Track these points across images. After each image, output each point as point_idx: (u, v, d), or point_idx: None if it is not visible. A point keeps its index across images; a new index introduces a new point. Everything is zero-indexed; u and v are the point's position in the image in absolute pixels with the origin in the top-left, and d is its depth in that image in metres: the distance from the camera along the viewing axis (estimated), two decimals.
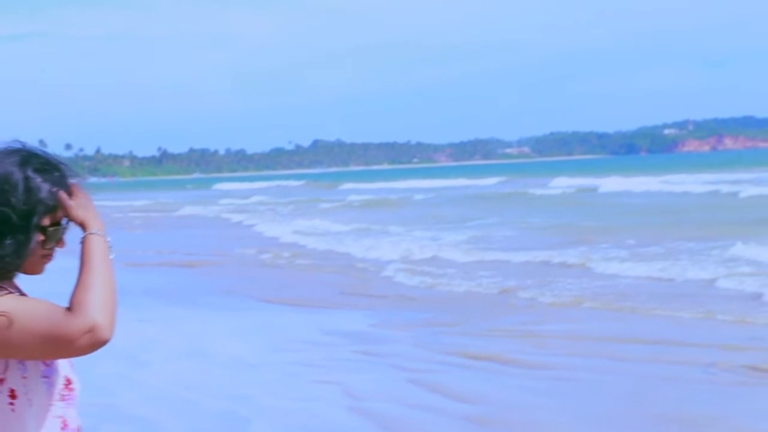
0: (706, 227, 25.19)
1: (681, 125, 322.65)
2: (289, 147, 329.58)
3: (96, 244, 2.56)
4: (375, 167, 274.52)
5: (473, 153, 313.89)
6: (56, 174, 2.61)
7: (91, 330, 2.40)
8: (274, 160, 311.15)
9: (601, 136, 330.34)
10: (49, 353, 2.47)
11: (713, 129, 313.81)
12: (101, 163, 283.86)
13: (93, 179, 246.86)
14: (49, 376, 2.58)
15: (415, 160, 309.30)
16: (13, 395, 2.53)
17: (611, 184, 56.50)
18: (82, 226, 2.60)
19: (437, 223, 32.51)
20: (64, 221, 2.63)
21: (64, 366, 2.64)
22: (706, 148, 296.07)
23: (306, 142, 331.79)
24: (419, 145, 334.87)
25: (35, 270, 2.63)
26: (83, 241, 2.58)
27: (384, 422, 8.32)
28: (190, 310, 14.90)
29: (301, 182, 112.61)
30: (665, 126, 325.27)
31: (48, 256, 2.63)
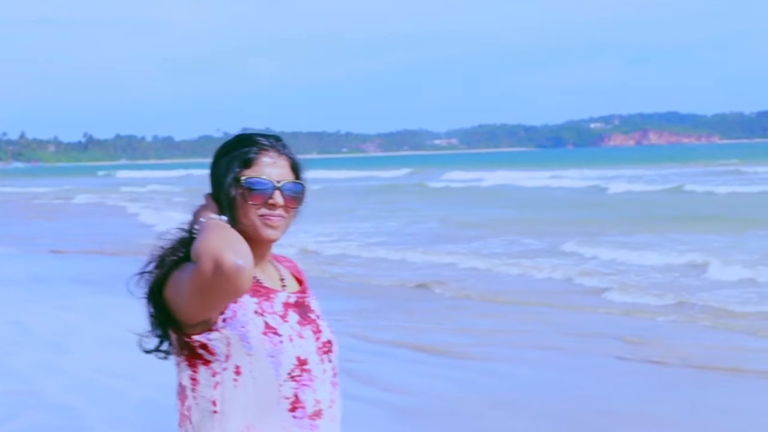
0: (551, 223, 26.09)
1: (607, 120, 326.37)
2: (218, 134, 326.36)
3: (204, 225, 2.61)
4: (303, 156, 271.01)
5: (402, 144, 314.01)
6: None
7: (215, 264, 2.45)
8: (202, 148, 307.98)
9: (529, 129, 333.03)
10: (214, 301, 2.55)
11: (638, 124, 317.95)
12: (25, 148, 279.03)
13: (16, 164, 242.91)
14: (275, 356, 2.59)
15: (344, 150, 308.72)
16: (237, 371, 2.58)
17: (495, 178, 57.92)
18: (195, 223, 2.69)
19: (319, 216, 32.77)
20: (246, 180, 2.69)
21: (298, 346, 2.64)
22: (631, 142, 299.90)
23: (234, 130, 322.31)
24: (348, 135, 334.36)
25: (257, 234, 2.68)
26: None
27: None
28: (113, 298, 14.70)
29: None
30: (591, 120, 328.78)
31: (265, 216, 2.68)
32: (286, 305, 2.70)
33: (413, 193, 47.66)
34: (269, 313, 2.64)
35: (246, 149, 2.72)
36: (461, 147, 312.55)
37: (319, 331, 2.72)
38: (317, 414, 2.65)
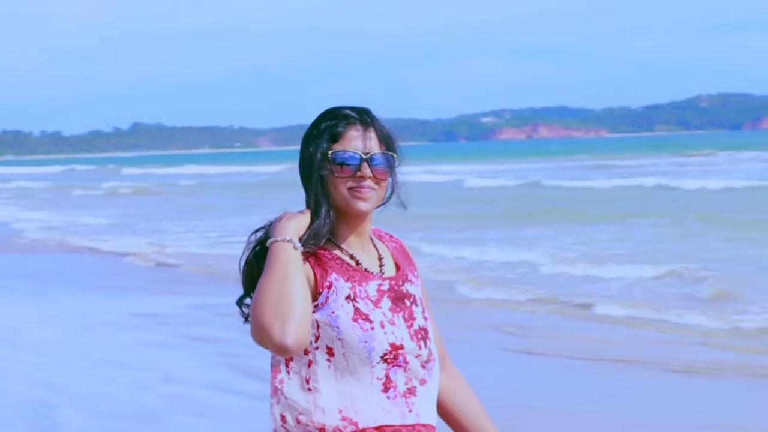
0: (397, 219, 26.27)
1: (498, 114, 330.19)
2: (108, 130, 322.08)
3: (271, 251, 2.61)
4: (195, 151, 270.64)
5: (297, 138, 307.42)
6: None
7: (261, 332, 2.53)
8: (91, 143, 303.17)
9: (422, 123, 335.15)
10: None
11: (529, 118, 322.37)
12: None
13: None
14: (367, 342, 2.62)
15: (237, 144, 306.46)
16: (330, 352, 2.62)
17: None
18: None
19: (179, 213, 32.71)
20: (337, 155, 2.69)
21: (390, 333, 2.65)
22: (522, 136, 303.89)
23: (125, 125, 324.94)
24: (241, 129, 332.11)
25: (348, 207, 2.69)
26: None
27: (200, 408, 8.15)
28: None
29: (93, 167, 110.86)
30: (483, 114, 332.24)
31: (354, 189, 2.67)
32: (381, 291, 2.70)
33: (283, 189, 47.78)
34: (362, 299, 2.66)
35: (333, 123, 2.73)
36: None
37: (413, 318, 2.73)
38: (410, 391, 2.69)
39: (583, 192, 36.13)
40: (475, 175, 49.56)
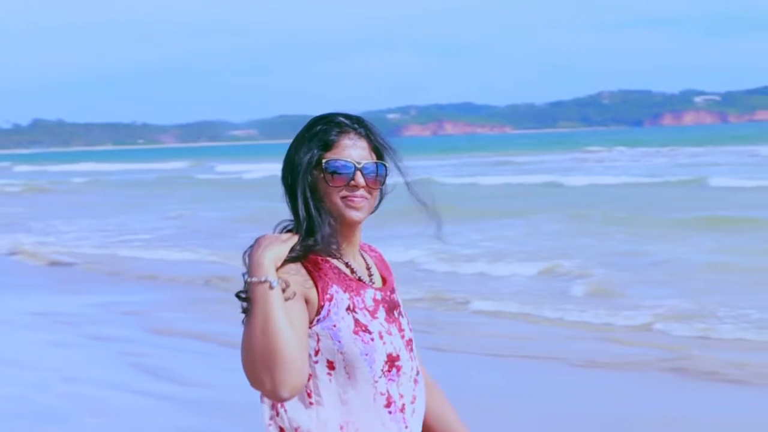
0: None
1: (404, 110, 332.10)
2: (7, 126, 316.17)
3: (252, 295, 2.51)
4: (98, 148, 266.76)
5: (200, 135, 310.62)
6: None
7: (253, 384, 2.50)
8: None
9: None
10: None
11: (434, 115, 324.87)
12: None
13: None
14: (368, 354, 2.59)
15: (140, 141, 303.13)
16: (331, 366, 2.58)
17: (260, 170, 56.61)
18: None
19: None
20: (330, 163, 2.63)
21: (388, 343, 2.63)
22: (428, 132, 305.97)
23: (25, 122, 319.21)
24: (145, 126, 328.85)
25: (341, 216, 2.64)
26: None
27: (101, 408, 8.06)
28: None
29: None
30: (389, 111, 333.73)
31: (347, 198, 2.63)
32: (376, 300, 2.68)
33: (181, 186, 47.29)
34: (360, 309, 2.63)
35: (326, 130, 2.67)
36: (261, 138, 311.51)
37: (402, 330, 2.71)
38: (401, 409, 2.67)
39: (471, 189, 36.29)
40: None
